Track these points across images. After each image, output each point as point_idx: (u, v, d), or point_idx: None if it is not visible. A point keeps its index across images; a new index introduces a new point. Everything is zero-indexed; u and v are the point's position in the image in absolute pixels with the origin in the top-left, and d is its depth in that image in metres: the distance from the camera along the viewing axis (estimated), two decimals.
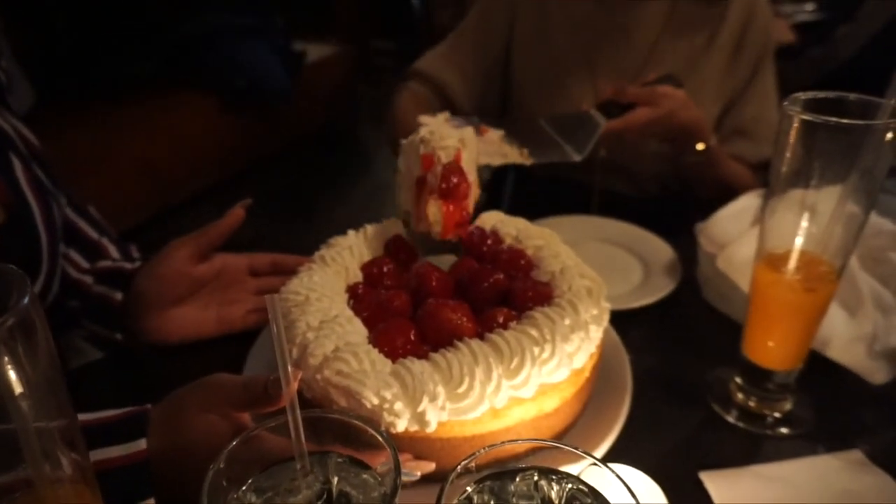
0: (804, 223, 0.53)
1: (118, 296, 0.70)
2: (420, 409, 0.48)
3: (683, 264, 0.84)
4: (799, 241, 0.54)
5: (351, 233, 0.69)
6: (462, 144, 0.69)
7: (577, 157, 0.83)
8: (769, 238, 0.56)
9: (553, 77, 1.11)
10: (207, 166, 2.89)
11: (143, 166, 2.54)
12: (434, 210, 0.67)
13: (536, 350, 0.52)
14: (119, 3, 2.71)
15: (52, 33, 2.67)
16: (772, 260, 0.56)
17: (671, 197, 1.15)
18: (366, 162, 3.63)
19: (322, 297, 0.58)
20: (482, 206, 0.73)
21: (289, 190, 3.16)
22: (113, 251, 0.78)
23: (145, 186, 2.58)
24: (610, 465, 0.38)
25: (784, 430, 0.60)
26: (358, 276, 0.64)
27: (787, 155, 0.53)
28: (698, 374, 0.67)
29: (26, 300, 0.27)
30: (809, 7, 2.12)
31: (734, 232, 0.74)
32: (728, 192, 0.87)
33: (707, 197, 0.94)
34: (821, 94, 0.52)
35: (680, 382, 0.67)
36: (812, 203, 0.52)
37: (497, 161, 0.79)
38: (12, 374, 0.28)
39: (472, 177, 0.70)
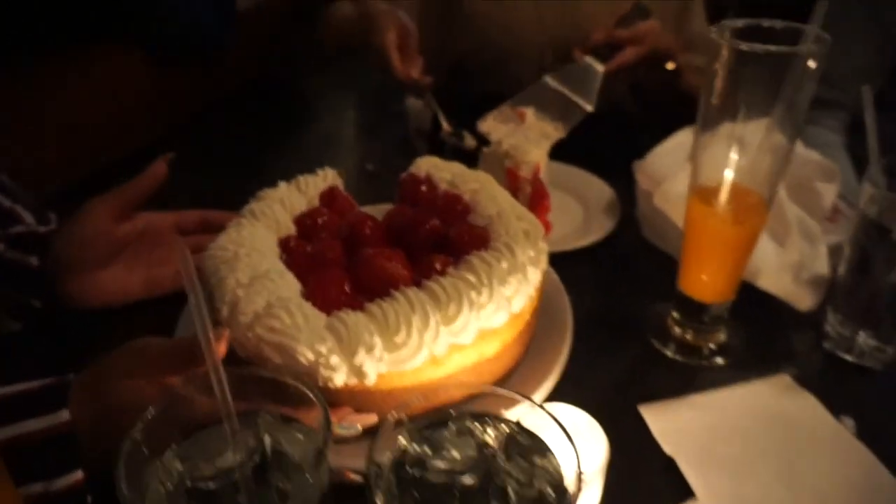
0: (733, 155, 0.53)
1: (33, 260, 0.65)
2: (357, 361, 0.47)
3: (623, 203, 0.84)
4: (729, 174, 0.54)
5: (282, 184, 0.66)
6: (542, 158, 0.77)
7: (589, 109, 0.86)
8: (701, 172, 0.56)
9: (496, 4, 1.12)
10: (137, 124, 2.73)
11: (66, 126, 2.38)
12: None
13: (474, 294, 0.51)
14: None
15: None
16: (703, 194, 0.57)
17: (622, 120, 1.16)
18: (309, 112, 3.52)
19: (252, 252, 0.56)
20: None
21: (228, 145, 3.04)
22: (27, 217, 0.73)
23: (69, 148, 2.43)
24: (547, 405, 0.38)
25: (719, 361, 0.62)
26: (291, 230, 0.62)
27: (716, 86, 0.52)
28: (638, 311, 0.68)
29: None
30: None
31: (670, 168, 0.74)
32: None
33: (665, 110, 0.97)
34: (748, 22, 0.51)
35: (619, 320, 0.68)
36: (740, 135, 0.52)
37: (545, 146, 0.80)
38: None
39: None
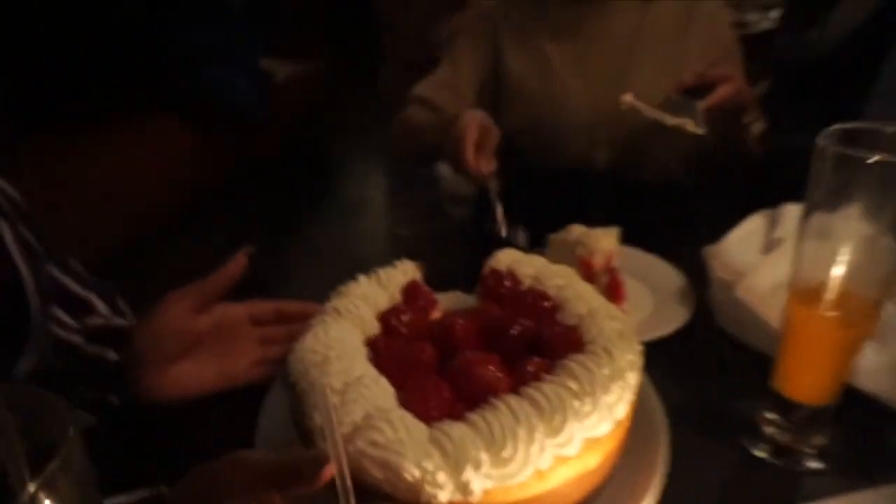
0: (840, 258, 0.52)
1: (111, 355, 0.65)
2: (464, 478, 0.45)
3: (694, 287, 0.83)
4: (835, 277, 0.53)
5: (362, 279, 0.66)
6: (614, 244, 0.78)
7: (700, 132, 0.92)
8: (803, 273, 0.55)
9: (543, 72, 1.17)
10: (180, 189, 2.80)
11: (112, 195, 2.45)
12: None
13: (577, 404, 0.49)
14: (79, 27, 2.62)
15: (9, 62, 2.56)
16: (805, 295, 0.55)
17: (672, 190, 1.19)
18: (340, 177, 3.58)
19: (342, 356, 0.55)
20: None
21: (263, 210, 3.10)
22: (101, 306, 0.74)
23: (115, 216, 2.49)
24: None
25: (820, 465, 0.59)
26: (375, 327, 0.61)
27: (821, 189, 0.52)
28: (724, 408, 0.66)
29: (70, 434, 0.23)
30: (774, 14, 2.16)
31: (748, 258, 0.73)
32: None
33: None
34: (856, 125, 0.51)
35: (704, 416, 0.65)
36: (848, 237, 0.51)
37: (614, 233, 0.82)
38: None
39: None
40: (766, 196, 1.15)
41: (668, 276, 0.86)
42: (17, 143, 2.36)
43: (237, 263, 0.67)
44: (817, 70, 1.85)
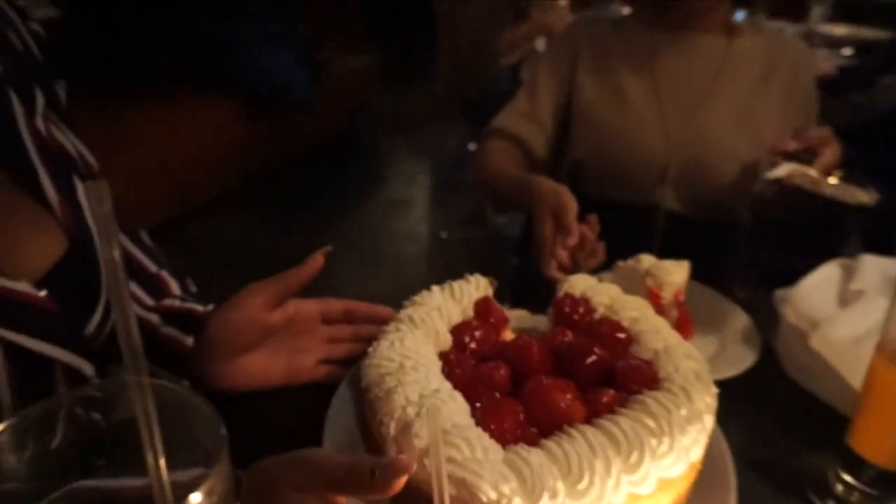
0: None
1: (189, 341, 0.66)
2: None
3: (759, 331, 0.81)
4: None
5: (436, 289, 0.67)
6: (684, 277, 0.77)
7: (869, 200, 0.88)
8: (893, 332, 0.54)
9: (618, 102, 1.15)
10: (225, 170, 2.86)
11: (162, 166, 2.51)
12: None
13: (654, 442, 0.49)
14: (146, 1, 2.69)
15: (75, 24, 2.63)
16: (894, 354, 0.54)
17: (732, 233, 1.15)
18: (381, 175, 3.61)
19: (418, 366, 0.55)
20: None
21: (304, 200, 3.14)
22: (174, 286, 0.75)
23: (163, 186, 2.55)
24: None
25: None
26: (448, 340, 0.61)
27: None
28: (791, 459, 0.64)
29: (223, 443, 0.24)
30: (846, 52, 2.11)
31: (823, 307, 0.72)
32: None
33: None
34: None
35: (772, 466, 0.64)
36: None
37: (686, 266, 0.81)
38: None
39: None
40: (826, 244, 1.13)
41: (734, 316, 0.84)
42: (83, 115, 2.44)
43: (315, 262, 0.68)
44: (864, 133, 1.82)
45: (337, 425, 0.60)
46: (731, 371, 0.74)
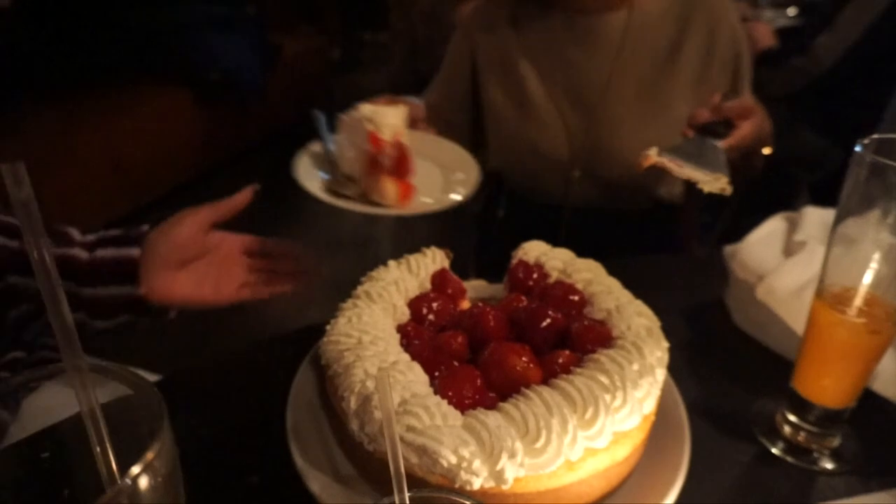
0: (871, 265, 0.53)
1: (135, 252, 0.71)
2: (499, 466, 0.47)
3: (707, 285, 0.84)
4: (864, 283, 0.54)
5: (392, 264, 0.67)
6: (401, 120, 0.87)
7: (729, 191, 0.80)
8: (830, 277, 0.56)
9: (519, 103, 1.11)
10: (179, 162, 2.80)
11: (113, 162, 2.44)
12: (391, 188, 0.89)
13: (608, 398, 0.50)
14: None
15: (13, 19, 2.52)
16: (831, 300, 0.56)
17: (663, 212, 1.16)
18: None
19: (376, 340, 0.56)
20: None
21: (263, 188, 3.09)
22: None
23: (115, 183, 2.48)
24: None
25: (833, 466, 0.60)
26: (405, 313, 0.62)
27: (856, 197, 0.52)
28: (741, 405, 0.67)
29: (164, 420, 0.24)
30: (791, 12, 2.16)
31: (769, 259, 0.74)
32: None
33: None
34: (891, 136, 0.52)
35: (724, 413, 0.66)
36: (878, 245, 0.52)
37: (403, 110, 0.92)
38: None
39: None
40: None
41: (454, 151, 1.00)
42: (23, 109, 2.34)
43: (244, 196, 0.77)
44: (806, 94, 1.87)
45: (299, 404, 0.61)
46: (461, 191, 0.93)
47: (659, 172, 0.80)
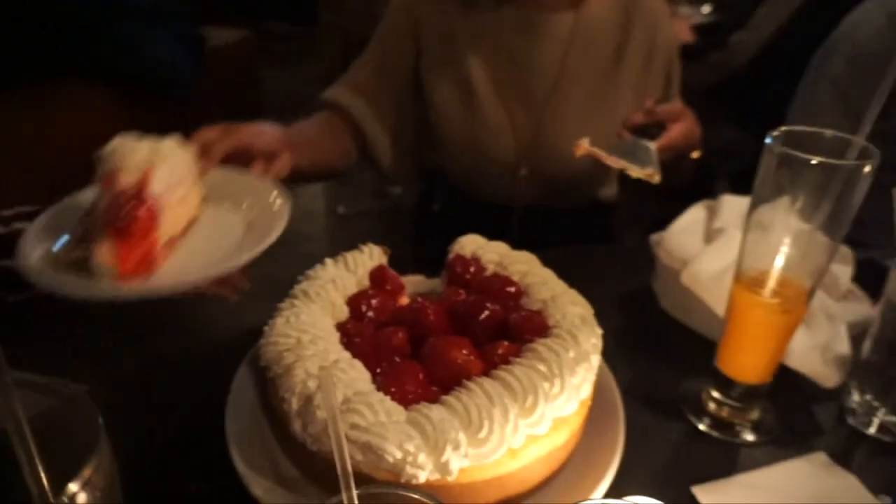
0: (782, 249, 0.57)
1: None
2: (444, 458, 0.48)
3: (636, 273, 0.88)
4: (776, 266, 0.58)
5: (329, 262, 0.67)
6: (155, 161, 0.59)
7: (657, 180, 0.84)
8: (746, 261, 0.60)
9: (466, 101, 1.07)
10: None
11: (27, 164, 2.29)
12: (104, 254, 0.57)
13: (547, 385, 0.52)
14: None
15: None
16: (748, 282, 0.60)
17: (600, 210, 1.19)
18: None
19: (316, 339, 0.55)
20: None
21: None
22: None
23: (27, 185, 2.33)
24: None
25: (754, 438, 0.65)
26: (345, 311, 0.62)
27: (767, 185, 0.56)
28: (670, 386, 0.70)
29: (102, 435, 0.23)
30: (706, 10, 2.26)
31: (691, 247, 0.78)
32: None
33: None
34: (799, 129, 0.55)
35: (654, 394, 0.70)
36: (788, 230, 0.56)
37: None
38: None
39: (181, 192, 0.67)
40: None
41: (261, 193, 0.74)
42: None
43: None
44: (726, 87, 1.97)
45: (239, 408, 0.60)
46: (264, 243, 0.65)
47: (599, 172, 0.84)
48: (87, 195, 0.70)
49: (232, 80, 3.35)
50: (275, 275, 0.87)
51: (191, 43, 3.06)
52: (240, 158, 0.79)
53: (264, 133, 0.86)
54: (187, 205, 0.70)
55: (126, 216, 0.56)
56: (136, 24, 2.73)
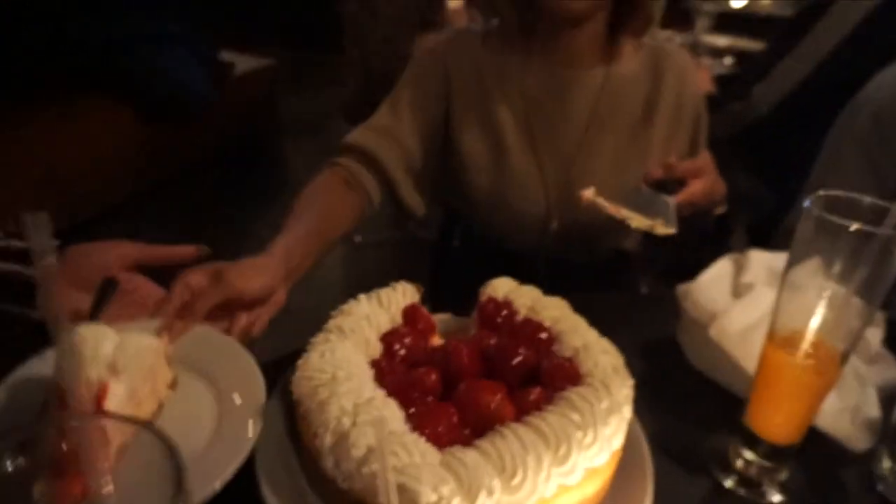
0: (818, 310, 0.57)
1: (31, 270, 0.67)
2: (477, 503, 0.47)
3: (661, 322, 0.88)
4: (811, 328, 0.58)
5: (363, 298, 0.67)
6: (116, 368, 0.49)
7: (672, 231, 0.84)
8: (781, 321, 0.60)
9: (496, 153, 1.07)
10: (120, 178, 2.70)
11: (50, 176, 2.33)
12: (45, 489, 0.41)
13: (580, 435, 0.52)
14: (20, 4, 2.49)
15: None
16: (781, 342, 0.60)
17: (621, 260, 1.20)
18: (288, 180, 3.53)
19: (351, 376, 0.56)
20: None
21: (205, 206, 3.02)
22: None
23: (51, 198, 2.37)
24: None
25: (781, 499, 0.64)
26: (378, 348, 0.62)
27: (803, 248, 0.57)
28: (697, 441, 0.70)
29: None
30: (728, 61, 2.30)
31: (719, 300, 0.78)
32: None
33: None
34: (837, 194, 0.56)
35: (681, 448, 0.69)
36: (825, 293, 0.57)
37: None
38: None
39: (145, 391, 0.56)
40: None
41: (242, 369, 0.64)
42: None
43: (187, 251, 0.74)
44: (746, 138, 1.99)
45: (268, 440, 0.60)
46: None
47: (626, 225, 0.84)
48: (42, 367, 0.60)
49: (251, 104, 3.43)
50: (290, 304, 0.88)
51: (210, 67, 3.13)
52: (227, 305, 0.73)
53: (254, 276, 0.75)
54: (151, 399, 0.60)
55: (69, 452, 0.41)
56: (157, 47, 2.80)
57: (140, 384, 0.56)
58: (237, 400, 0.62)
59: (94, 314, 0.68)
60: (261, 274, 0.75)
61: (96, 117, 2.59)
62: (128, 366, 0.53)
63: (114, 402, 0.49)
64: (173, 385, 0.62)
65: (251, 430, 0.57)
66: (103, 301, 0.68)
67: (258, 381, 0.63)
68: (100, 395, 0.48)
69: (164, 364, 0.61)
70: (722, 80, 2.20)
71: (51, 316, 0.35)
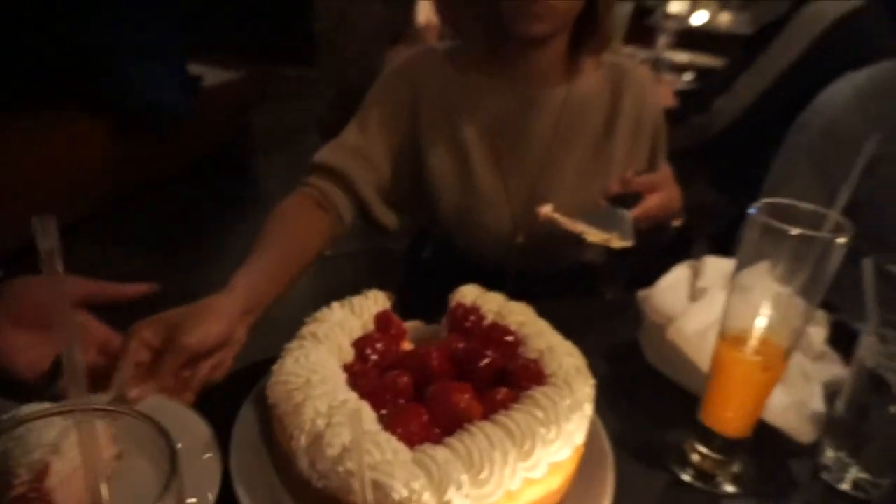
0: (764, 311, 0.61)
1: None
2: (446, 498, 0.50)
3: (623, 326, 0.92)
4: (757, 326, 0.62)
5: (336, 305, 0.69)
6: (60, 450, 0.47)
7: (629, 243, 0.87)
8: (731, 321, 0.64)
9: (462, 171, 1.09)
10: (91, 191, 2.67)
11: (20, 188, 2.30)
12: None
13: (544, 431, 0.55)
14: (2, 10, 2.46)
15: None
16: (731, 341, 0.64)
17: (586, 271, 1.23)
18: (260, 193, 3.53)
19: (325, 380, 0.58)
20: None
21: (179, 222, 3.00)
22: None
23: (21, 210, 2.34)
24: None
25: (735, 489, 0.68)
26: (350, 353, 0.65)
27: (750, 252, 0.61)
28: (655, 437, 0.74)
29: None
30: (688, 77, 2.38)
31: (677, 304, 0.83)
32: None
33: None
34: (779, 201, 0.61)
35: (640, 444, 0.73)
36: (769, 295, 0.61)
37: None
38: None
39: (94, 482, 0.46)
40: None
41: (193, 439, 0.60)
42: None
43: (137, 289, 0.70)
44: (704, 150, 2.07)
45: (242, 444, 0.61)
46: None
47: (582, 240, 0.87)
48: None
49: (222, 117, 3.42)
50: (264, 314, 0.89)
51: (182, 80, 3.11)
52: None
53: (209, 326, 0.68)
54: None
55: None
56: (129, 59, 2.78)
57: (83, 461, 0.48)
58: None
59: (47, 387, 0.64)
60: (217, 321, 0.69)
61: (68, 130, 2.57)
62: (71, 447, 0.48)
63: (55, 480, 0.47)
64: (119, 457, 0.53)
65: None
66: (56, 376, 0.64)
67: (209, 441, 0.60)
68: (40, 474, 0.46)
69: (109, 441, 0.52)
70: (683, 95, 2.28)
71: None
